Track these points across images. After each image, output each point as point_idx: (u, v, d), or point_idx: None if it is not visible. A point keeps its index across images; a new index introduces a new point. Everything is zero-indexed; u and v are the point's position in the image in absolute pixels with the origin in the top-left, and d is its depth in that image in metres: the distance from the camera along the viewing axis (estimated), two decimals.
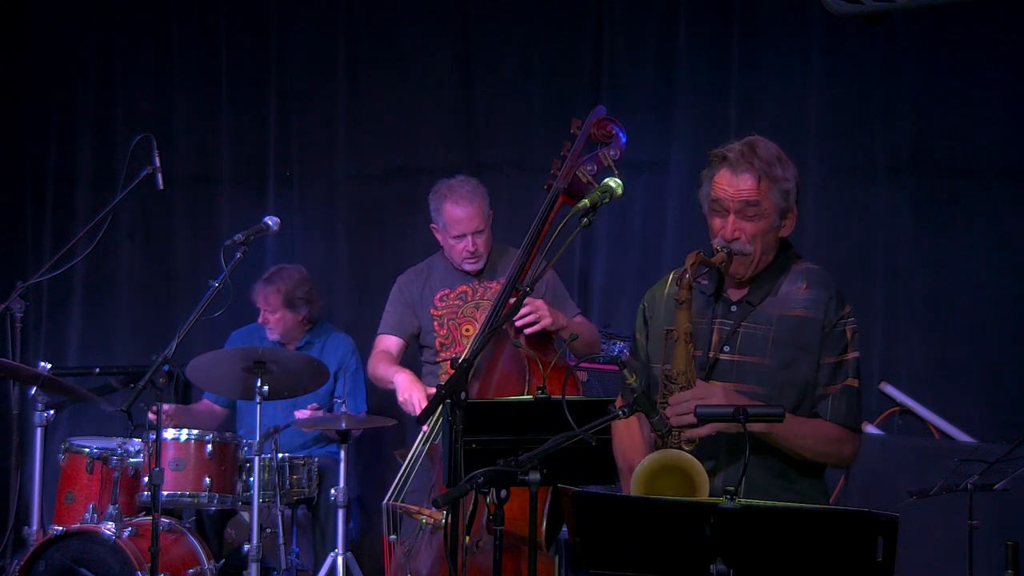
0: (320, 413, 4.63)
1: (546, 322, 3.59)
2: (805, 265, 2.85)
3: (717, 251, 2.73)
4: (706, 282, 2.80)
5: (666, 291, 2.91)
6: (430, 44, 5.43)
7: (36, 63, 5.87)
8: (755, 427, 2.59)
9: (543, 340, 3.61)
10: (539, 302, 3.62)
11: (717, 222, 2.76)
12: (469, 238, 4.06)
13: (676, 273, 2.94)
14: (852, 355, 2.76)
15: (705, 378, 2.72)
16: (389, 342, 4.18)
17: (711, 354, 2.76)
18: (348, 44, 5.53)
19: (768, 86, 4.83)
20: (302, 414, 4.64)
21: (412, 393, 3.84)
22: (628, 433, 2.86)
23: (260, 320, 4.91)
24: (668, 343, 2.68)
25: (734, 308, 2.79)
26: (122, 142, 5.31)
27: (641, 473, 2.53)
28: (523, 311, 3.55)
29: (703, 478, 2.52)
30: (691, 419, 2.58)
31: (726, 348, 2.75)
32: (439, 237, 4.19)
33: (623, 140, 3.62)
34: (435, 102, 5.42)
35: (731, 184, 2.72)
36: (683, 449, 2.59)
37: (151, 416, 4.55)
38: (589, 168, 3.60)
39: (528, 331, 3.58)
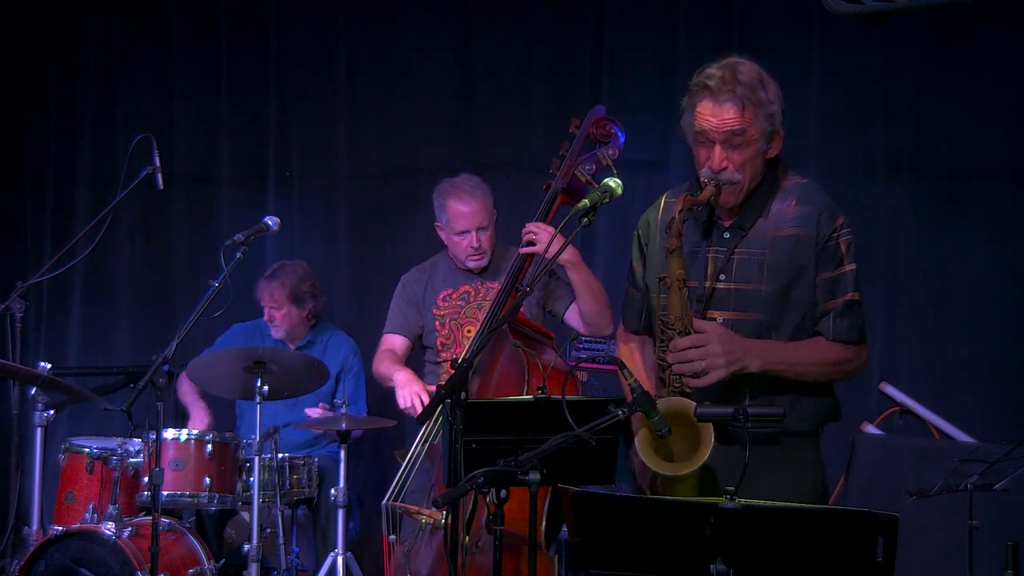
0: (330, 413, 4.64)
1: (538, 248, 3.54)
2: (793, 180, 2.77)
3: (705, 184, 2.65)
4: (698, 209, 2.72)
5: (659, 216, 2.85)
6: (430, 44, 5.43)
7: (36, 63, 5.87)
8: (753, 366, 2.59)
9: (541, 340, 3.60)
10: (544, 227, 3.60)
11: (703, 153, 2.68)
12: (473, 234, 4.04)
13: (668, 196, 2.88)
14: (849, 268, 2.68)
15: (703, 309, 2.68)
16: (394, 341, 4.17)
17: (707, 284, 2.70)
18: (348, 44, 5.52)
19: None
20: (313, 412, 4.67)
21: (411, 390, 3.84)
22: (631, 362, 2.85)
23: (265, 318, 4.91)
24: (662, 289, 2.64)
25: (727, 235, 2.72)
26: (122, 142, 5.30)
27: (648, 425, 2.53)
28: (528, 229, 3.59)
29: (708, 427, 2.51)
30: (692, 367, 2.57)
31: (722, 277, 2.69)
32: (443, 236, 4.17)
33: (622, 139, 3.60)
34: (435, 102, 5.42)
35: (714, 114, 2.64)
36: (686, 394, 2.59)
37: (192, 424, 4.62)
38: (588, 168, 3.59)
39: (524, 250, 3.59)
